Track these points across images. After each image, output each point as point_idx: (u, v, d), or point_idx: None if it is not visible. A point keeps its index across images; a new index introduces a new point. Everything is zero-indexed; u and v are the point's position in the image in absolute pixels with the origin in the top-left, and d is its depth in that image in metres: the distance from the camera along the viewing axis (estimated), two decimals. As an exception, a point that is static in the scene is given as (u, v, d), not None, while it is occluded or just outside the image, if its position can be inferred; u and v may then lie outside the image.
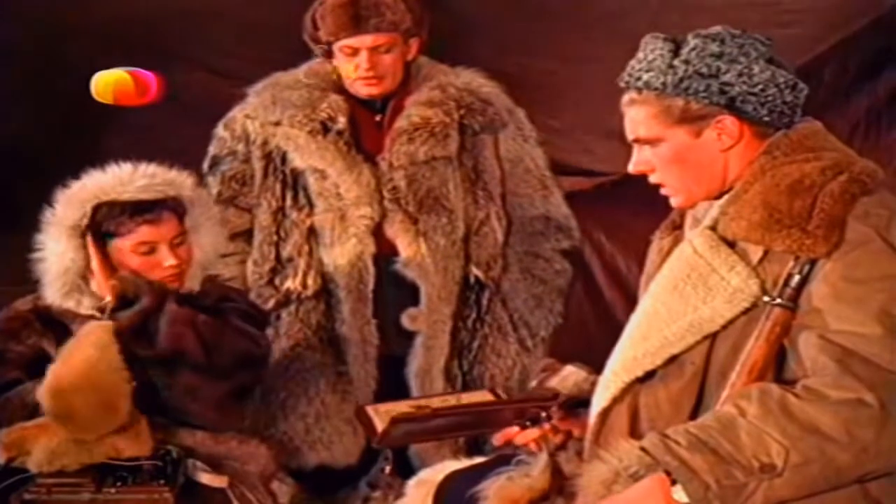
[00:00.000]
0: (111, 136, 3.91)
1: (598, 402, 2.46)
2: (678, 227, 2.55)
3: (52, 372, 2.99)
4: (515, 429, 2.61)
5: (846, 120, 4.28)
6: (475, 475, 2.58)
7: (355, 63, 3.74)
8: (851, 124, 4.31)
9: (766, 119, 2.38)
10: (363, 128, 3.82)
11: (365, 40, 3.71)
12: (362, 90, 3.78)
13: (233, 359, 3.19)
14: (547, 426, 2.59)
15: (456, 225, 3.82)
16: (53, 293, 3.23)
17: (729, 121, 2.38)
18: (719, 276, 2.33)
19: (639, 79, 2.40)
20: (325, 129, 3.77)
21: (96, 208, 3.20)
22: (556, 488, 2.50)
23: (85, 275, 3.22)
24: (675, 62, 2.37)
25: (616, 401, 2.42)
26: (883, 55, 4.42)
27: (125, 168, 3.22)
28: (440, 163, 3.79)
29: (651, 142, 2.43)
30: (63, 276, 3.21)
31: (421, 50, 3.84)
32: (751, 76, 2.35)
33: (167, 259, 3.20)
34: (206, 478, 3.06)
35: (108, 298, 3.16)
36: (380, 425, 2.60)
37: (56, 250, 3.21)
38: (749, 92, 2.35)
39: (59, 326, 3.25)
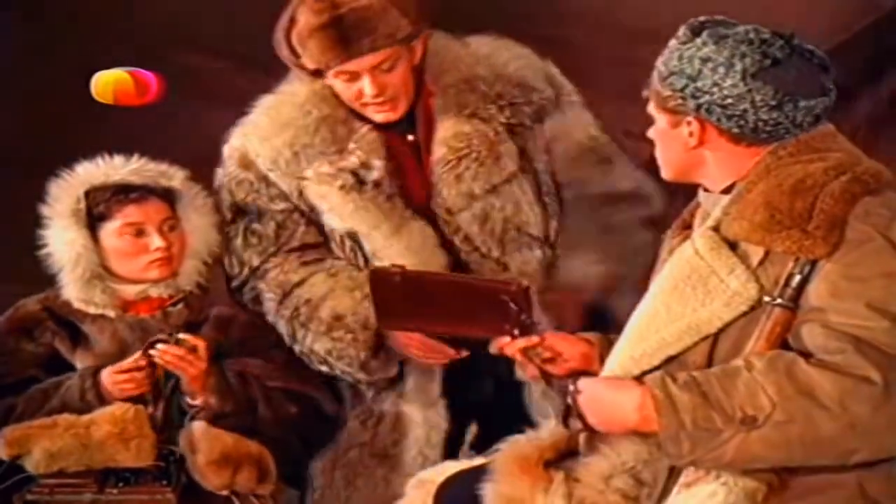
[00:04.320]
0: (106, 133, 3.89)
1: None
2: (688, 226, 2.55)
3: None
4: (507, 338, 2.65)
5: (847, 122, 4.27)
6: (475, 476, 2.59)
7: (357, 88, 3.12)
8: (853, 126, 4.30)
9: (736, 131, 2.38)
10: (400, 159, 3.23)
11: (363, 63, 3.08)
12: (376, 116, 3.17)
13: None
14: (535, 338, 2.63)
15: (546, 253, 3.26)
16: (73, 283, 3.24)
17: (695, 124, 2.41)
18: (718, 278, 2.34)
19: (658, 58, 2.46)
20: (360, 181, 3.16)
21: (87, 194, 3.23)
22: (567, 451, 2.54)
23: (104, 263, 3.25)
24: (676, 54, 2.41)
25: None
26: (884, 57, 4.42)
27: (116, 158, 3.27)
28: (505, 185, 3.20)
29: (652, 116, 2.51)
30: (78, 263, 3.22)
31: (426, 46, 3.22)
32: (721, 88, 2.35)
33: (155, 241, 3.22)
34: (227, 492, 3.07)
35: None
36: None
37: (64, 239, 3.23)
38: (716, 103, 2.36)
39: (69, 326, 3.27)
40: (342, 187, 3.14)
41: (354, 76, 3.10)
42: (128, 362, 3.14)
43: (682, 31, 2.44)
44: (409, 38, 3.11)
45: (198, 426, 3.07)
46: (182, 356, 3.10)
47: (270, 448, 3.14)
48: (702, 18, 2.45)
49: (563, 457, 2.54)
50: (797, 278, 2.31)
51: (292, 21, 3.10)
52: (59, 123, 4.34)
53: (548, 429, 2.61)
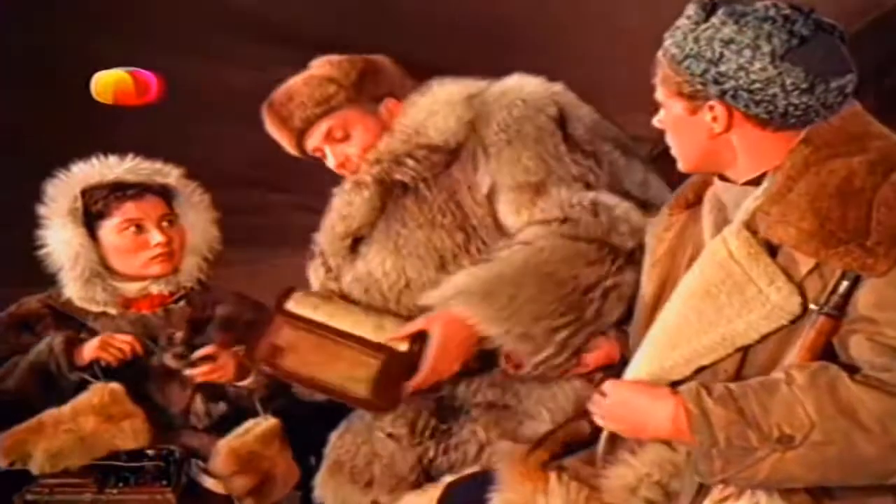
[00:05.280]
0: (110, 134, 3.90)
1: None
2: (692, 204, 2.42)
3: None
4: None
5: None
6: (482, 478, 2.53)
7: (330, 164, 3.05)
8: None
9: (765, 117, 2.21)
10: None
11: (313, 138, 3.00)
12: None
13: None
14: None
15: None
16: (73, 282, 3.26)
17: (719, 109, 2.24)
18: (757, 287, 2.18)
19: (665, 39, 2.29)
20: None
21: (84, 193, 3.25)
22: (564, 450, 2.48)
23: (104, 262, 3.27)
24: (690, 36, 2.23)
25: None
26: (883, 55, 4.40)
27: (111, 157, 3.30)
28: (363, 245, 2.98)
29: (661, 103, 2.35)
30: (77, 262, 3.24)
31: (397, 108, 3.00)
32: (749, 73, 2.18)
33: (154, 237, 3.25)
34: (211, 483, 3.08)
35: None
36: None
37: (62, 238, 3.25)
38: (743, 88, 2.20)
39: (73, 323, 3.28)
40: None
41: (323, 153, 3.03)
42: (123, 338, 3.17)
43: (692, 9, 2.26)
44: (355, 102, 2.99)
45: (274, 423, 3.12)
46: (209, 372, 3.16)
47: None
48: None
49: (559, 455, 2.46)
50: (844, 285, 2.15)
51: None
52: (59, 123, 4.35)
53: (541, 431, 2.55)
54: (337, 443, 2.94)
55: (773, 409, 2.12)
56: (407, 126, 2.96)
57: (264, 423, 3.12)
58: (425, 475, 2.84)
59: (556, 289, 2.70)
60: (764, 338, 2.20)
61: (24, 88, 4.36)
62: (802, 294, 2.18)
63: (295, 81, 3.00)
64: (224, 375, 3.18)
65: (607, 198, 2.79)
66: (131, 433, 3.05)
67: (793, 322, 2.19)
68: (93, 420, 3.03)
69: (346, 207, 2.96)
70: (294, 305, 2.91)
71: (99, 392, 3.07)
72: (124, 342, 3.16)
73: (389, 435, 2.88)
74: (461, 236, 2.89)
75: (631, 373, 2.32)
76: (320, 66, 3.02)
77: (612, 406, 2.29)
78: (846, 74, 2.22)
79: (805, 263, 2.18)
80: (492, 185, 2.88)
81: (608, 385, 2.31)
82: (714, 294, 2.21)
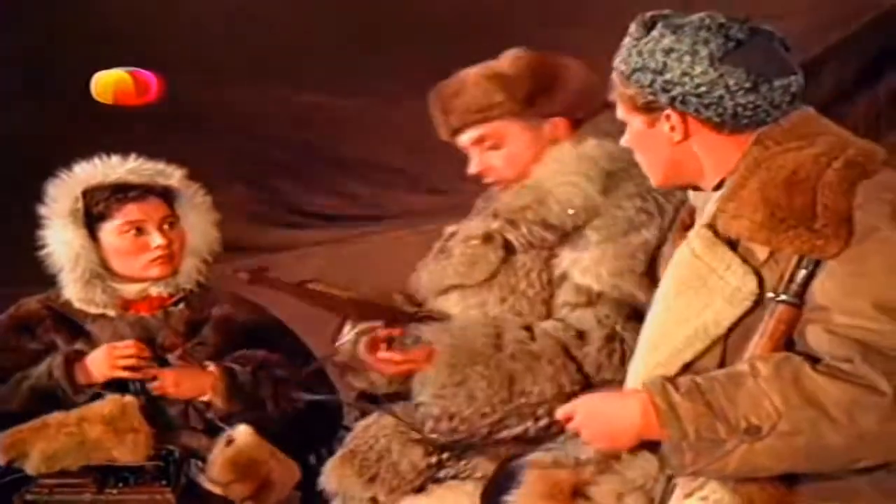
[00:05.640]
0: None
1: None
2: (688, 227, 2.45)
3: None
4: None
5: (845, 122, 4.23)
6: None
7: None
8: (850, 126, 4.27)
9: (716, 120, 2.28)
10: None
11: (462, 138, 2.88)
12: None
13: None
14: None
15: None
16: (73, 283, 3.26)
17: (674, 117, 2.31)
18: (717, 276, 2.24)
19: (615, 59, 2.36)
20: None
21: (85, 194, 3.25)
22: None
23: (105, 263, 3.27)
24: (634, 51, 2.32)
25: None
26: (882, 56, 4.40)
27: (113, 158, 3.29)
28: (459, 292, 2.89)
29: (624, 122, 2.41)
30: (77, 263, 3.24)
31: (564, 128, 2.88)
32: (692, 77, 2.26)
33: (155, 239, 3.24)
34: (210, 483, 3.08)
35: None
36: None
37: (62, 239, 3.25)
38: (690, 93, 2.27)
39: (72, 324, 3.29)
40: None
41: (470, 154, 2.91)
42: (125, 346, 3.18)
43: (633, 27, 2.34)
44: (511, 116, 2.84)
45: (245, 431, 3.10)
46: (162, 388, 3.17)
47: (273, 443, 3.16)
48: (651, 13, 2.36)
49: (589, 482, 2.41)
50: (802, 273, 2.20)
51: None
52: (59, 124, 4.35)
53: (587, 451, 2.44)
54: (360, 433, 2.92)
55: (739, 401, 2.16)
56: (535, 186, 2.84)
57: (237, 433, 3.10)
58: (429, 480, 2.84)
59: (504, 401, 2.74)
60: (735, 326, 2.24)
61: (25, 88, 4.36)
62: (760, 278, 2.23)
63: (469, 74, 2.87)
64: (177, 392, 3.19)
65: (628, 335, 2.72)
66: (131, 447, 3.05)
67: (756, 307, 2.22)
68: (99, 429, 3.04)
69: (466, 265, 2.87)
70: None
71: (111, 403, 3.08)
72: (128, 350, 3.16)
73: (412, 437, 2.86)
74: (543, 310, 2.83)
75: (629, 379, 2.36)
76: (504, 60, 2.87)
77: (585, 419, 2.32)
78: (789, 75, 2.30)
79: (761, 252, 2.25)
80: (563, 274, 2.82)
81: (577, 403, 2.34)
82: (683, 291, 2.29)
